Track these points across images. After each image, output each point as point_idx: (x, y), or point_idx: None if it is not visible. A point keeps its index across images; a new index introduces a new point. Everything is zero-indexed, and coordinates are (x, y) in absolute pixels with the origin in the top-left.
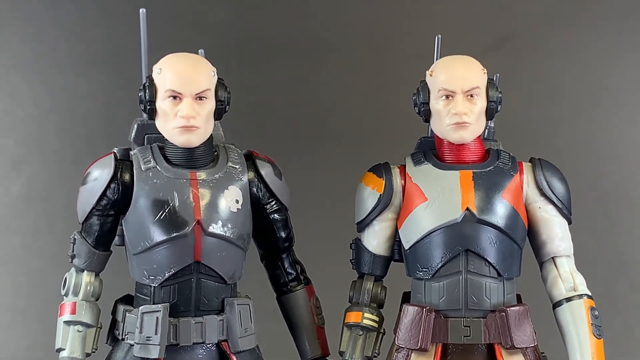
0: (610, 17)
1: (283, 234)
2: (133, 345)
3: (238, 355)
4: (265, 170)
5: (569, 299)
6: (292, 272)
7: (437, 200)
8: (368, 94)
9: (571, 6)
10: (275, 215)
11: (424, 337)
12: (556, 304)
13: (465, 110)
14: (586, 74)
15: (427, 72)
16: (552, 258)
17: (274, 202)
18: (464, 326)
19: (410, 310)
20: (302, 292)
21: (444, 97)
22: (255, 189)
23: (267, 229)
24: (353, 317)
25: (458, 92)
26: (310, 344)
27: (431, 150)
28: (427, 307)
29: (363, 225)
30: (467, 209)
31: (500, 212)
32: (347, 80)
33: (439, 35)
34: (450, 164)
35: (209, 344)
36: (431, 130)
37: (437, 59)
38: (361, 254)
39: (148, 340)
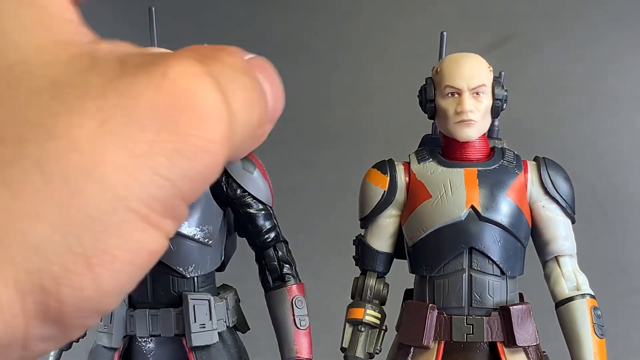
0: (614, 17)
1: (261, 229)
2: None
3: (194, 351)
4: (231, 165)
5: (571, 299)
6: (275, 270)
7: (442, 197)
8: (370, 91)
9: (574, 6)
10: (248, 209)
11: (426, 335)
12: (558, 303)
13: (471, 108)
14: (588, 75)
15: (432, 69)
16: (556, 257)
17: (247, 197)
18: (467, 324)
19: (412, 308)
20: (281, 291)
21: (449, 95)
22: (223, 185)
23: (245, 225)
24: (355, 313)
25: (464, 90)
26: (285, 345)
27: (435, 147)
28: (430, 305)
29: (366, 221)
30: (472, 206)
31: (504, 210)
32: (349, 78)
33: (445, 32)
34: (455, 161)
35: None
36: (435, 127)
37: (442, 56)
38: (364, 250)
39: (105, 328)
